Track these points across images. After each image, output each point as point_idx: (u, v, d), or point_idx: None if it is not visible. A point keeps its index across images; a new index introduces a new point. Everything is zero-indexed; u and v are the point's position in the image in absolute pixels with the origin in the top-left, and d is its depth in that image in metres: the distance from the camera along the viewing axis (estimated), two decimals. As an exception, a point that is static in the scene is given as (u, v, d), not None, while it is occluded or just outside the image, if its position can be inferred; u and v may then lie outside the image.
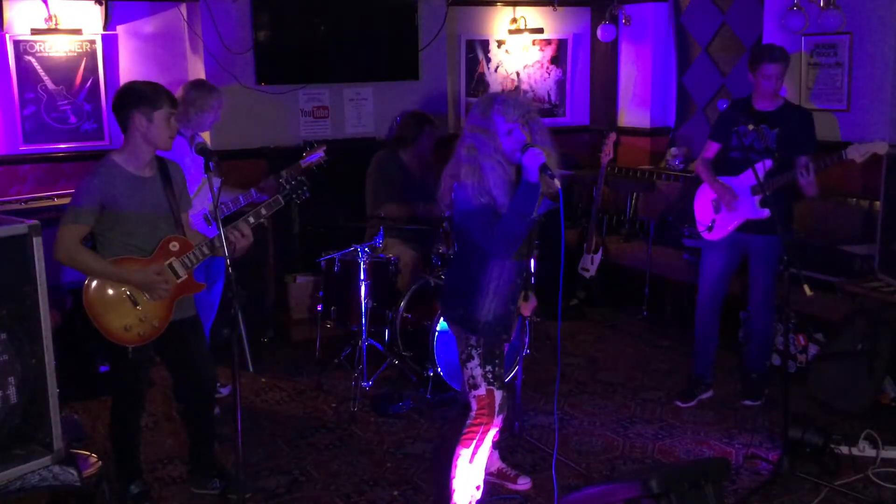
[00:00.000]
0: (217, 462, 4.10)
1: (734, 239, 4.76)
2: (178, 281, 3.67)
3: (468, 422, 3.58)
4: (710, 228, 4.84)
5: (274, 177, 4.93)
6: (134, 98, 3.57)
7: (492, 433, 3.58)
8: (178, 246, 3.67)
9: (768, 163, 4.51)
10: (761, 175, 4.46)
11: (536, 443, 4.46)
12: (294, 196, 3.96)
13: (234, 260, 3.44)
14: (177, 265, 3.67)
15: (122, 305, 3.60)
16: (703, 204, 4.90)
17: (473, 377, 3.53)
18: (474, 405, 3.56)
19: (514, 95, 3.42)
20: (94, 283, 3.58)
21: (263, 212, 3.81)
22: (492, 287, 3.46)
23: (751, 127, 4.49)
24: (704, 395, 4.96)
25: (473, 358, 3.52)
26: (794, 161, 4.50)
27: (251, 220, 3.77)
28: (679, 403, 4.91)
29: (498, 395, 3.55)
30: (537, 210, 3.30)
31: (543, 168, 3.19)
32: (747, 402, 4.87)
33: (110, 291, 3.59)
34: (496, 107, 3.32)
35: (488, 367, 3.52)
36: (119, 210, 3.56)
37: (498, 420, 3.58)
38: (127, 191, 3.58)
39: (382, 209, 5.57)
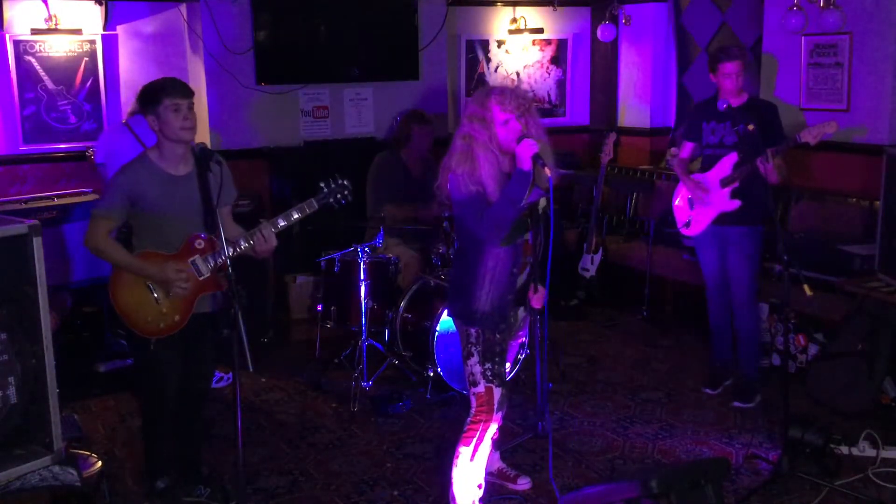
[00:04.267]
0: (202, 467, 4.07)
1: (714, 232, 4.84)
2: (201, 279, 3.66)
3: (468, 420, 3.60)
4: (687, 225, 4.95)
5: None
6: (141, 101, 3.64)
7: (491, 430, 3.59)
8: (203, 244, 3.67)
9: (734, 156, 4.64)
10: (729, 168, 4.66)
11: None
12: (331, 200, 3.82)
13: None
14: (200, 262, 3.66)
15: (144, 299, 3.61)
16: (680, 202, 5.04)
17: (473, 374, 3.56)
18: (474, 402, 3.58)
19: (512, 87, 3.48)
20: (121, 276, 3.61)
21: (295, 215, 3.73)
22: (488, 277, 3.50)
23: (748, 125, 4.51)
24: (727, 382, 5.02)
25: (473, 355, 3.55)
26: (763, 152, 4.50)
27: (280, 223, 3.72)
28: (707, 391, 4.99)
29: (497, 392, 3.56)
30: (527, 198, 3.35)
31: (536, 157, 3.25)
32: (737, 404, 4.83)
33: (133, 284, 3.61)
34: (494, 97, 3.39)
35: (487, 365, 3.54)
36: (148, 206, 3.58)
37: (497, 417, 3.59)
38: (158, 188, 3.59)
39: (382, 210, 5.57)
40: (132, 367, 4.52)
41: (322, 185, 3.84)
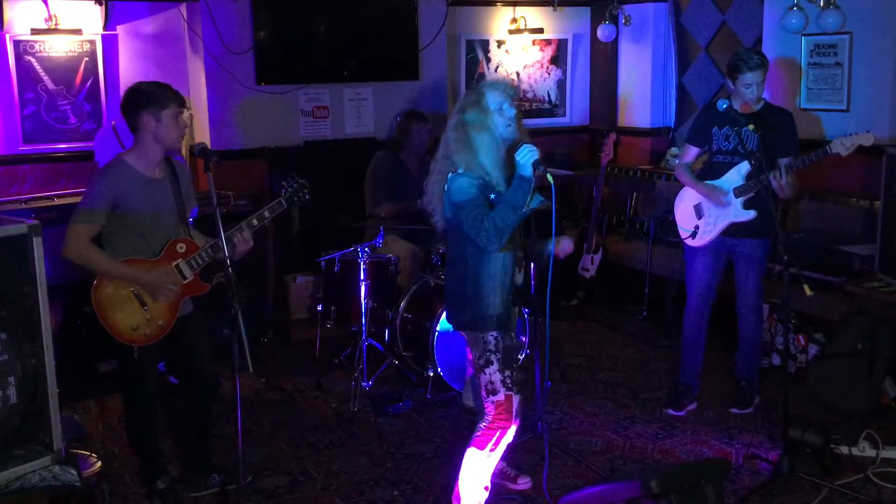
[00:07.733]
0: (214, 459, 4.09)
1: (718, 243, 4.65)
2: (185, 282, 3.69)
3: (484, 424, 3.55)
4: (693, 235, 4.71)
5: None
6: (141, 98, 3.59)
7: (509, 435, 3.55)
8: (185, 248, 3.70)
9: (745, 165, 4.45)
10: (742, 177, 4.47)
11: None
12: (295, 198, 3.94)
13: (234, 262, 3.44)
14: (183, 266, 3.69)
15: (130, 305, 3.62)
16: (685, 210, 4.78)
17: (492, 382, 3.50)
18: (492, 409, 3.52)
19: (501, 77, 3.59)
20: (104, 283, 3.60)
21: (266, 214, 3.82)
22: (499, 279, 3.47)
23: (751, 127, 4.42)
24: (690, 407, 4.84)
25: (493, 363, 3.49)
26: (776, 162, 4.38)
27: (254, 222, 3.78)
28: (671, 412, 4.80)
29: (516, 399, 3.52)
30: (529, 204, 3.35)
31: (537, 163, 3.25)
32: (735, 411, 4.79)
33: (119, 292, 3.61)
34: (486, 85, 3.46)
35: (507, 373, 3.50)
36: (130, 210, 3.57)
37: (517, 421, 3.55)
38: (138, 191, 3.60)
39: (380, 208, 5.57)
40: (117, 375, 4.52)
41: (283, 183, 3.95)
